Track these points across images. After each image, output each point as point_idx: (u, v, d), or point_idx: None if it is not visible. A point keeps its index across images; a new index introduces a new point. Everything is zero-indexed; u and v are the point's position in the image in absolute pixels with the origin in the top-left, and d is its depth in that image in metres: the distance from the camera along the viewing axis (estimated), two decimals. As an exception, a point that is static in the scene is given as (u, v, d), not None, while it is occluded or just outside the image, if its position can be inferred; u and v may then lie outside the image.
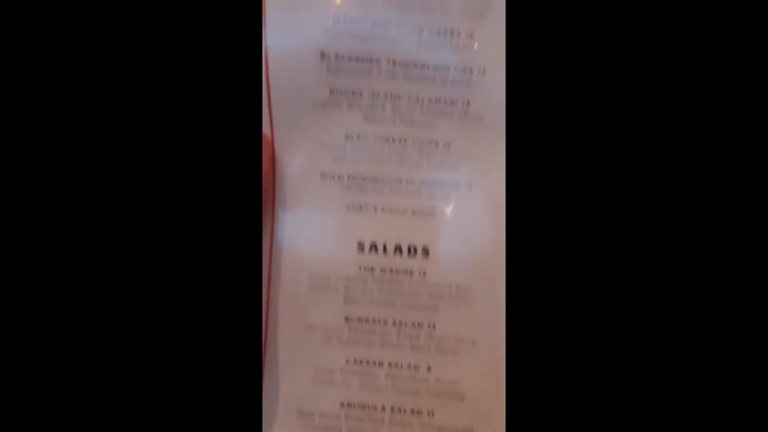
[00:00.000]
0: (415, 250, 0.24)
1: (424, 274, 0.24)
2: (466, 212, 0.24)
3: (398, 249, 0.24)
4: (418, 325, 0.24)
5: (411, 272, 0.24)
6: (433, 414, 0.24)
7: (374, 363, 0.24)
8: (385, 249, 0.24)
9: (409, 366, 0.24)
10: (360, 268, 0.24)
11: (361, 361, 0.24)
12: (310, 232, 0.24)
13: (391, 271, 0.24)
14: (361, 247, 0.24)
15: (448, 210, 0.24)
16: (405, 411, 0.24)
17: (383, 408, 0.24)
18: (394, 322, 0.24)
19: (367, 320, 0.24)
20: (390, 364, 0.24)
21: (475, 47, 0.23)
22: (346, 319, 0.24)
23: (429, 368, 0.24)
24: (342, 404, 0.24)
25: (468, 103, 0.23)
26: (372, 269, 0.24)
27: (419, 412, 0.24)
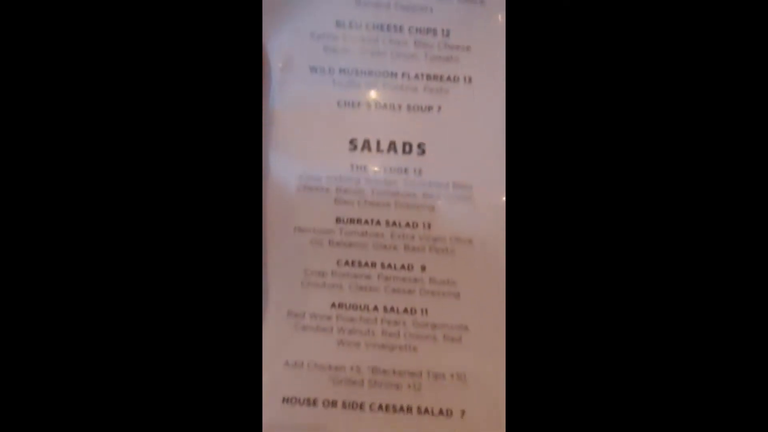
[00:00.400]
0: (411, 148, 0.23)
1: (420, 172, 0.23)
2: (465, 107, 0.23)
3: (392, 146, 0.23)
4: (413, 224, 0.24)
5: (406, 170, 0.23)
6: (426, 312, 0.24)
7: (367, 264, 0.24)
8: (378, 147, 0.23)
9: (402, 266, 0.24)
10: (352, 168, 0.23)
11: (352, 263, 0.24)
12: (299, 130, 0.23)
13: (384, 169, 0.23)
14: (353, 145, 0.23)
15: (446, 105, 0.23)
16: (398, 310, 0.24)
17: (375, 308, 0.24)
18: (387, 223, 0.24)
19: (359, 221, 0.24)
20: (383, 265, 0.24)
21: None
22: (337, 220, 0.24)
23: (423, 268, 0.24)
24: (333, 305, 0.24)
25: (470, -15, 0.22)
26: (365, 168, 0.23)
27: (413, 311, 0.24)
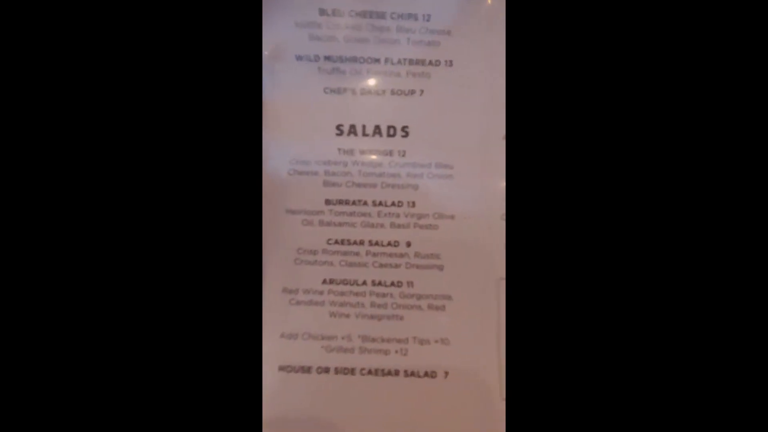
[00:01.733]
0: (395, 131, 0.24)
1: (404, 153, 0.24)
2: (446, 90, 0.24)
3: (377, 130, 0.24)
4: (398, 203, 0.25)
5: (390, 152, 0.24)
6: (412, 284, 0.26)
7: (355, 242, 0.25)
8: (364, 131, 0.24)
9: (389, 243, 0.25)
10: (339, 151, 0.24)
11: (342, 241, 0.25)
12: (287, 117, 0.24)
13: (370, 152, 0.24)
14: (339, 129, 0.24)
15: (428, 89, 0.24)
16: (385, 283, 0.26)
17: (364, 282, 0.26)
18: (374, 202, 0.25)
19: (347, 202, 0.25)
20: (370, 242, 0.25)
21: None
22: (327, 201, 0.25)
23: (409, 243, 0.25)
24: (324, 281, 0.26)
25: (448, -30, 0.22)
26: (351, 152, 0.24)
27: (399, 284, 0.26)
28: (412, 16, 0.23)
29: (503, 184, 0.25)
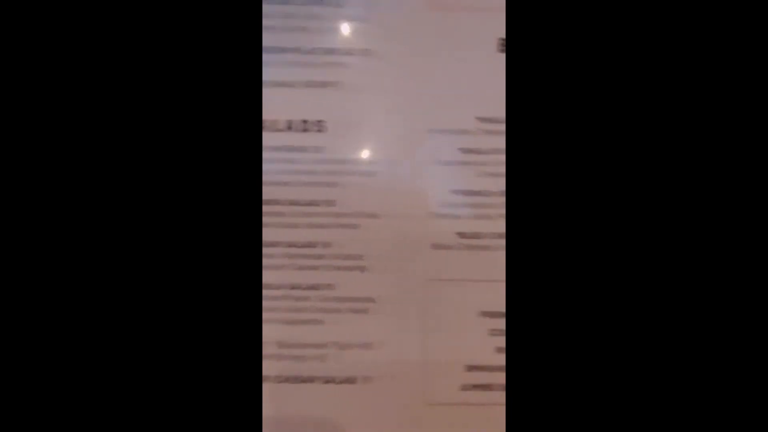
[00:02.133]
0: (309, 125, 0.23)
1: (320, 149, 0.23)
2: (364, 81, 0.22)
3: (289, 125, 0.23)
4: (315, 202, 0.24)
5: (305, 149, 0.23)
6: (331, 287, 0.24)
7: (269, 243, 0.24)
8: (276, 126, 0.23)
9: (306, 244, 0.24)
10: None
11: (258, 241, 0.24)
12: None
13: (282, 148, 0.23)
14: (249, 123, 0.22)
15: (344, 80, 0.22)
16: (302, 287, 0.24)
17: (279, 286, 0.24)
18: (288, 201, 0.23)
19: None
20: (286, 244, 0.24)
21: None
22: None
23: (327, 244, 0.24)
24: (240, 282, 0.24)
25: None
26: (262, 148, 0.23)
27: (317, 287, 0.24)
28: (319, 2, 0.21)
29: (431, 180, 0.24)
